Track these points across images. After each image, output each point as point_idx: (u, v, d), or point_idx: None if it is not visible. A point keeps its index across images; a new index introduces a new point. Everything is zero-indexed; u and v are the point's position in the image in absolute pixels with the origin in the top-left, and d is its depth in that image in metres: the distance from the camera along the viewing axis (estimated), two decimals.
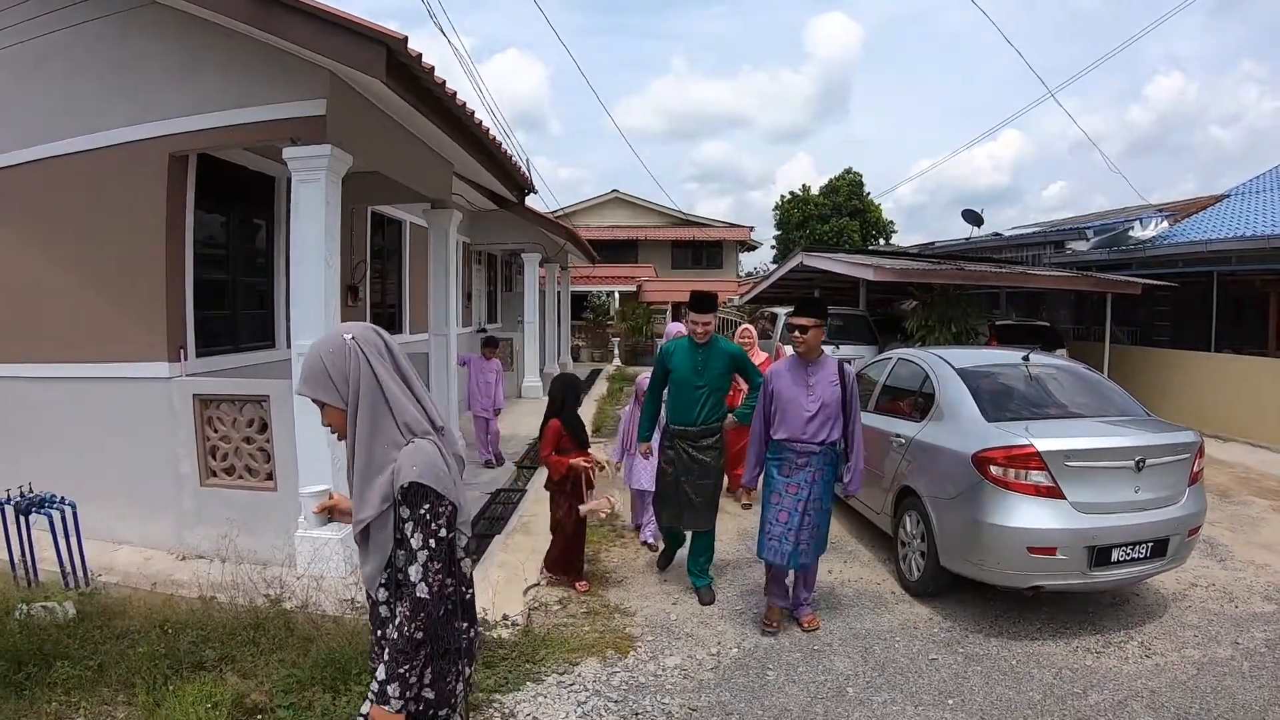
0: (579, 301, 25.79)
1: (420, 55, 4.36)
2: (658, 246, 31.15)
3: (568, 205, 31.76)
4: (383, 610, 1.88)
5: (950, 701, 3.64)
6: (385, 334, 1.95)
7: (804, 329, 4.36)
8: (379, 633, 1.90)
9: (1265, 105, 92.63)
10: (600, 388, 16.72)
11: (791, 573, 4.51)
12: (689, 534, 5.01)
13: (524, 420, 11.34)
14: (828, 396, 4.32)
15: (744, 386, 5.36)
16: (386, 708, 1.75)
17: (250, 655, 3.64)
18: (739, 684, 3.81)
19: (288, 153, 4.69)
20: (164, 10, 4.89)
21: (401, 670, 1.75)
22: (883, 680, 3.86)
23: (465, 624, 1.94)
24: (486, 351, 8.65)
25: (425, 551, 1.77)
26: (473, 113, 5.61)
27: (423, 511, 1.77)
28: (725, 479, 5.56)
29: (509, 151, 6.84)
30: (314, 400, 1.88)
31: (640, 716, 3.48)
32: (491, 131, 6.16)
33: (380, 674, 1.78)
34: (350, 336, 1.87)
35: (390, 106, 5.43)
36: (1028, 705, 3.61)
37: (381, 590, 1.87)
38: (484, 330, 14.99)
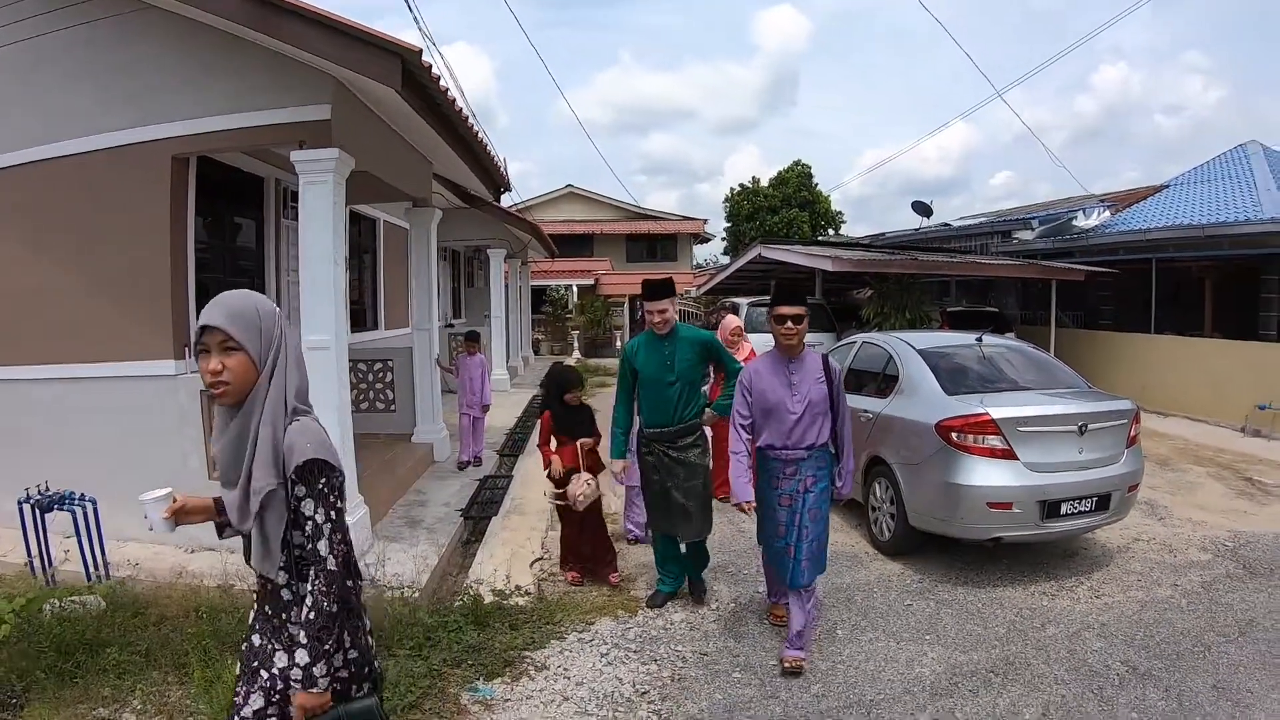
0: (538, 295, 26.03)
1: (431, 66, 4.65)
2: (613, 240, 31.54)
3: (523, 200, 31.91)
4: (285, 594, 1.87)
5: (928, 637, 4.12)
6: None
7: (797, 318, 3.84)
8: (282, 616, 1.88)
9: (1210, 96, 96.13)
10: None
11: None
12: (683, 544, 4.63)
13: (495, 412, 11.60)
14: (814, 395, 3.86)
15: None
16: (316, 689, 1.77)
17: None
18: (740, 632, 4.23)
19: (296, 156, 4.90)
20: (165, 14, 4.99)
21: (326, 647, 1.76)
22: (867, 623, 4.32)
23: (353, 582, 1.95)
24: (470, 347, 8.21)
25: (329, 524, 1.79)
26: (467, 118, 5.89)
27: (320, 486, 1.79)
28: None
29: (493, 153, 7.12)
30: (225, 342, 1.80)
31: (659, 662, 3.87)
32: (480, 134, 6.45)
33: (302, 659, 1.76)
34: (275, 308, 1.90)
35: (385, 110, 5.68)
36: (994, 638, 4.10)
37: (282, 574, 1.84)
38: (450, 326, 15.14)
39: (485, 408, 8.23)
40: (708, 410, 4.59)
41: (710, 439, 4.77)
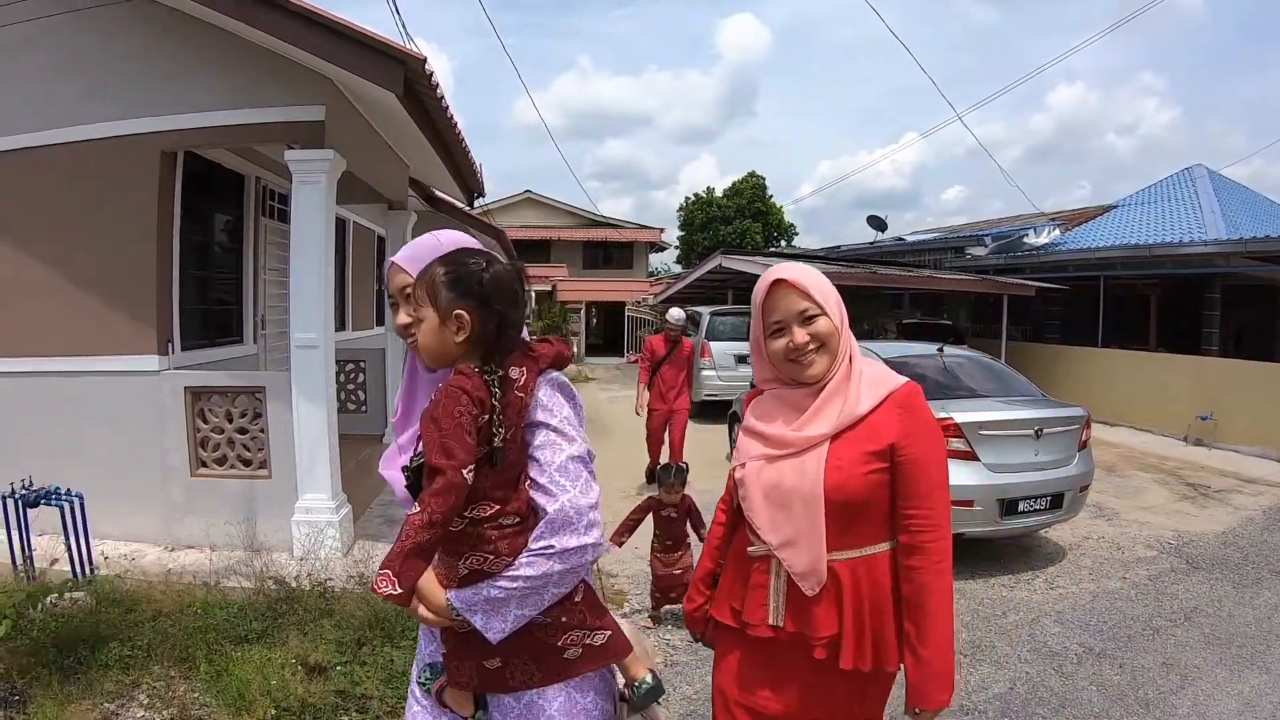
0: None
1: (432, 74, 4.76)
2: (569, 247, 31.64)
3: (481, 205, 31.73)
4: None
5: None
6: None
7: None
8: None
9: (1162, 117, 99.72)
10: None
11: None
12: None
13: None
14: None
15: None
16: None
17: (294, 623, 3.91)
18: None
19: (290, 156, 4.95)
20: (158, 8, 5.00)
21: None
22: None
23: None
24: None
25: None
26: (456, 126, 6.01)
27: None
28: None
29: (472, 159, 7.24)
30: None
31: (661, 644, 4.10)
32: (464, 142, 6.56)
33: None
34: None
35: (373, 113, 5.77)
36: (960, 625, 4.37)
37: None
38: None
39: None
40: None
41: None
